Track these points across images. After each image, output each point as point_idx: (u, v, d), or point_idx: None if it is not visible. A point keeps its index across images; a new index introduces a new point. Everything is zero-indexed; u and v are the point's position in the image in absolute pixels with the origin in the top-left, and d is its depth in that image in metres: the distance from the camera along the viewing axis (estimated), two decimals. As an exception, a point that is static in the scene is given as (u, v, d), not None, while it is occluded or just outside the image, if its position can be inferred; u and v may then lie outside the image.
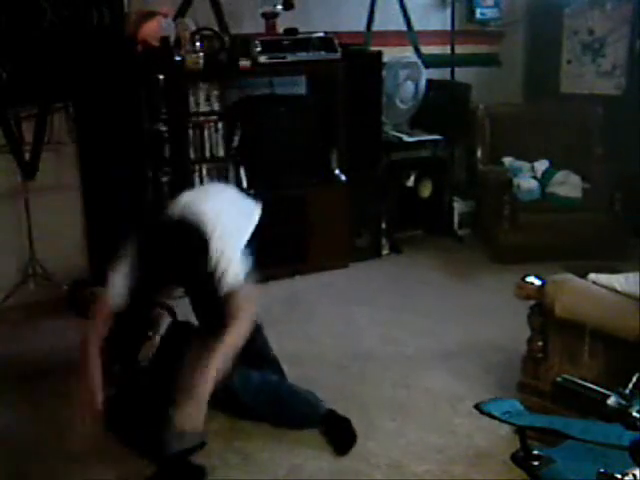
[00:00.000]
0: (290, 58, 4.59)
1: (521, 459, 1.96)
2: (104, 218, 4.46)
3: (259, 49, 4.50)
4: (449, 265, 5.09)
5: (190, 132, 4.45)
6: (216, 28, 4.66)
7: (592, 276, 2.94)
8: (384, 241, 5.29)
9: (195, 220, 2.74)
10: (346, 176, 4.89)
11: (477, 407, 2.02)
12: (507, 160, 5.37)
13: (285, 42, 4.61)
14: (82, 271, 4.55)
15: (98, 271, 4.55)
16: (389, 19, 5.38)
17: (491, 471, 2.80)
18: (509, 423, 2.07)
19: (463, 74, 5.69)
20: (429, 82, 5.40)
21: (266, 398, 3.06)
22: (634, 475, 1.48)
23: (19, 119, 4.14)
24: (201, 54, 4.36)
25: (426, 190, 5.49)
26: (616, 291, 2.82)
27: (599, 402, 1.53)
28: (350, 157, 4.90)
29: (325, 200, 4.83)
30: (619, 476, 1.50)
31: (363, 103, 4.95)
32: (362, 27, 5.32)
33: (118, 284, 2.71)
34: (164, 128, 4.40)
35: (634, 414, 1.47)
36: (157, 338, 3.18)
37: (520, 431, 1.98)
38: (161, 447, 2.72)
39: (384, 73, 5.11)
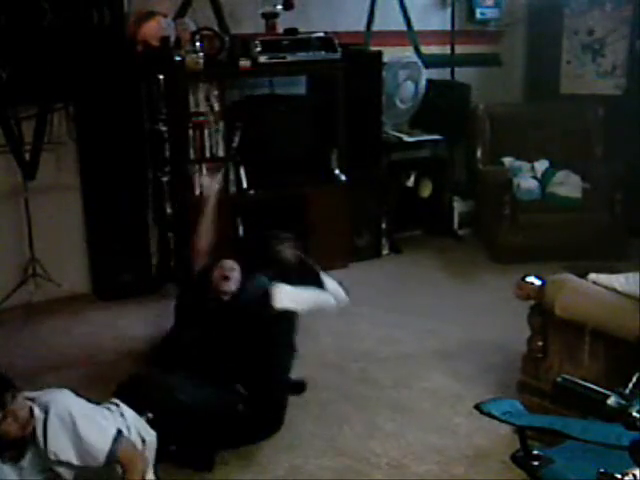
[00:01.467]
0: (290, 58, 4.59)
1: (521, 459, 1.96)
2: (104, 218, 4.47)
3: (259, 49, 4.50)
4: (449, 265, 5.09)
5: (190, 132, 4.44)
6: (216, 28, 4.65)
7: (592, 276, 2.94)
8: (384, 241, 5.29)
9: None
10: (346, 176, 4.88)
11: (477, 407, 2.02)
12: (507, 160, 5.37)
13: (285, 42, 4.61)
14: (82, 271, 4.56)
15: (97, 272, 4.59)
16: (389, 19, 5.38)
17: (491, 471, 2.80)
18: (509, 423, 2.07)
19: (463, 74, 5.69)
20: (429, 82, 5.40)
21: None
22: (634, 475, 1.48)
23: (19, 119, 4.13)
24: (201, 54, 4.35)
25: (426, 190, 5.48)
26: (616, 291, 2.82)
27: (599, 402, 1.53)
28: (350, 157, 4.89)
29: (325, 200, 4.83)
30: (619, 476, 1.50)
31: (363, 103, 4.95)
32: (362, 27, 5.31)
33: None
34: (164, 128, 4.40)
35: (634, 414, 1.47)
36: None
37: (520, 431, 1.98)
38: None
39: (384, 73, 5.11)
